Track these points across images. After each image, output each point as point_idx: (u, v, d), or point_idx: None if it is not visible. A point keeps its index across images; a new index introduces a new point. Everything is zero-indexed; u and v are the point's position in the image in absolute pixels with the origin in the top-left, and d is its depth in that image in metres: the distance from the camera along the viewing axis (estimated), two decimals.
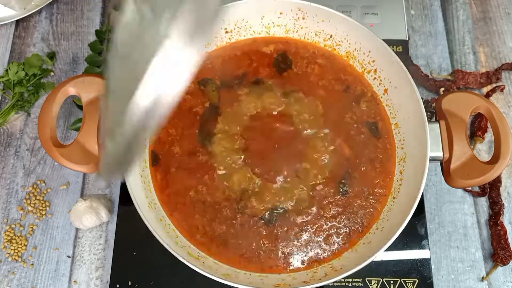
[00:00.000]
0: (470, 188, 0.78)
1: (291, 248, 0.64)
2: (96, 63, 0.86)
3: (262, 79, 0.73)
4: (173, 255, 0.57)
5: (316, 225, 0.65)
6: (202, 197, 0.66)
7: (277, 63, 0.75)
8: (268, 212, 0.65)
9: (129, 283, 0.68)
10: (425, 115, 0.64)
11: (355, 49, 0.73)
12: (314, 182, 0.67)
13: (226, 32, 0.75)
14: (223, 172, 0.67)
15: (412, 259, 0.70)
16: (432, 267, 0.71)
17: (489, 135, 0.82)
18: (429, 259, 0.70)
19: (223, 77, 0.73)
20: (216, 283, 0.58)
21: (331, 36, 0.74)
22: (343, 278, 0.64)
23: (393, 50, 0.69)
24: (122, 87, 0.41)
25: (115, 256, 0.69)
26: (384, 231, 0.63)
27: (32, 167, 0.80)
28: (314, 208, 0.66)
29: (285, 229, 0.65)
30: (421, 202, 0.72)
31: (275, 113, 0.70)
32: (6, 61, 0.88)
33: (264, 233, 0.65)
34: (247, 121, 0.70)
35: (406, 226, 0.59)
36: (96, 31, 0.90)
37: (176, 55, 0.38)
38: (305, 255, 0.64)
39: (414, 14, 0.93)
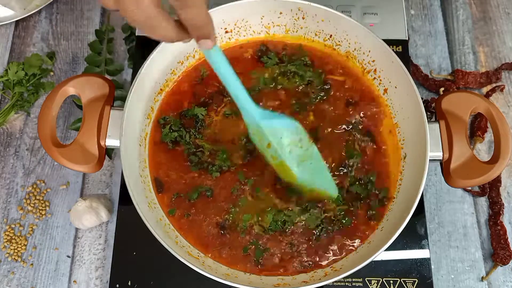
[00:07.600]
0: (470, 188, 0.78)
1: (291, 247, 0.64)
2: (95, 63, 0.86)
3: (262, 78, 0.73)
4: (172, 255, 0.57)
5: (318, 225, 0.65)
6: (201, 195, 0.66)
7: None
8: (266, 214, 0.65)
9: (129, 283, 0.68)
10: (425, 115, 0.64)
11: (355, 49, 0.73)
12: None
13: (226, 32, 0.75)
14: (220, 172, 0.67)
15: (412, 259, 0.70)
16: (432, 267, 0.71)
17: (489, 135, 0.82)
18: (429, 259, 0.70)
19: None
20: (215, 283, 0.58)
21: (331, 36, 0.74)
22: (343, 278, 0.64)
23: (393, 50, 0.69)
24: None
25: (115, 256, 0.69)
26: (384, 231, 0.63)
27: (32, 167, 0.80)
28: (314, 208, 0.66)
29: (285, 229, 0.65)
30: (421, 202, 0.72)
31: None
32: (6, 61, 0.88)
33: (263, 234, 0.65)
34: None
35: (406, 226, 0.59)
36: (96, 31, 0.90)
37: None
38: (305, 255, 0.64)
39: (414, 14, 0.93)
